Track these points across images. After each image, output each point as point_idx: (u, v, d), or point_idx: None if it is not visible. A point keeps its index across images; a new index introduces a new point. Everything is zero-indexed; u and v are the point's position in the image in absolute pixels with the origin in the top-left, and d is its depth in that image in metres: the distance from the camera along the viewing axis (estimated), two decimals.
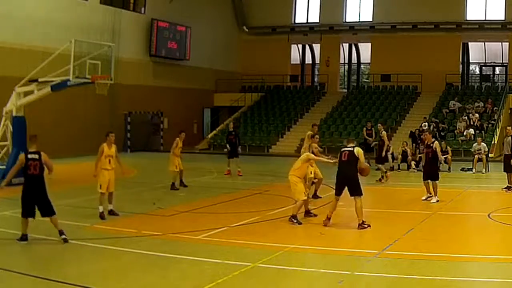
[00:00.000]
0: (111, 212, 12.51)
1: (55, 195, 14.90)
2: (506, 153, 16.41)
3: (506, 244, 10.19)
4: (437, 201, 14.44)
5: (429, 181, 14.74)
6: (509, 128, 16.86)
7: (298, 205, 12.01)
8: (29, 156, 10.02)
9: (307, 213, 12.50)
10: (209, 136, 34.08)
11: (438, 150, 15.01)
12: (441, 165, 17.66)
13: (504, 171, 16.55)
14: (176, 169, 16.67)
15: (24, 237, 9.97)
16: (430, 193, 14.72)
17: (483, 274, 8.31)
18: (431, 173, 14.74)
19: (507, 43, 34.67)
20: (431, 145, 14.78)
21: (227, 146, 21.09)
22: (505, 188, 16.33)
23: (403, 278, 7.97)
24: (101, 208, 12.20)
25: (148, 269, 8.47)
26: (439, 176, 14.96)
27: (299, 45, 40.55)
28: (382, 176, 18.75)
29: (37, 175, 9.94)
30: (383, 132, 19.55)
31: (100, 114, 28.10)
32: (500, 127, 27.44)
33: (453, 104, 31.66)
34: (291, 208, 12.27)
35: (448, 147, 22.63)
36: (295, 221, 11.76)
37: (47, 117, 24.67)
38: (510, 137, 16.38)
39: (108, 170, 12.32)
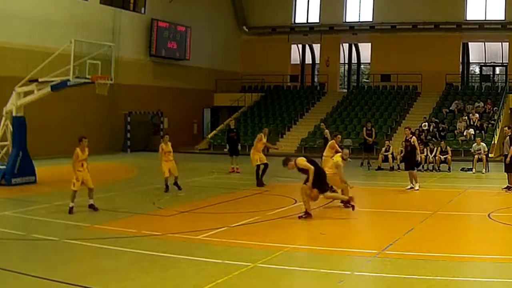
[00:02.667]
0: (91, 206, 13.06)
1: (55, 195, 15.01)
2: (506, 153, 16.47)
3: (506, 244, 10.16)
4: (417, 189, 16.37)
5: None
6: (506, 128, 17.08)
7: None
8: None
9: (347, 203, 12.84)
10: (209, 136, 34.02)
11: (416, 144, 16.81)
12: (421, 164, 20.13)
13: (505, 171, 16.58)
14: (167, 175, 16.09)
15: None
16: (413, 183, 16.59)
17: (483, 274, 8.30)
18: (409, 163, 16.80)
19: (507, 43, 34.67)
20: (409, 139, 16.84)
21: (227, 145, 21.47)
22: (505, 188, 16.33)
23: (403, 278, 7.96)
24: (71, 204, 12.74)
25: (148, 269, 8.47)
26: (416, 167, 17.26)
27: (299, 45, 40.53)
28: None
29: None
30: (326, 130, 21.47)
31: (100, 114, 28.11)
32: (500, 127, 27.41)
33: (457, 105, 31.61)
34: (291, 208, 12.26)
35: (448, 147, 22.62)
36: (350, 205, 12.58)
37: (47, 117, 24.67)
38: (508, 137, 16.47)
39: (81, 172, 13.01)
